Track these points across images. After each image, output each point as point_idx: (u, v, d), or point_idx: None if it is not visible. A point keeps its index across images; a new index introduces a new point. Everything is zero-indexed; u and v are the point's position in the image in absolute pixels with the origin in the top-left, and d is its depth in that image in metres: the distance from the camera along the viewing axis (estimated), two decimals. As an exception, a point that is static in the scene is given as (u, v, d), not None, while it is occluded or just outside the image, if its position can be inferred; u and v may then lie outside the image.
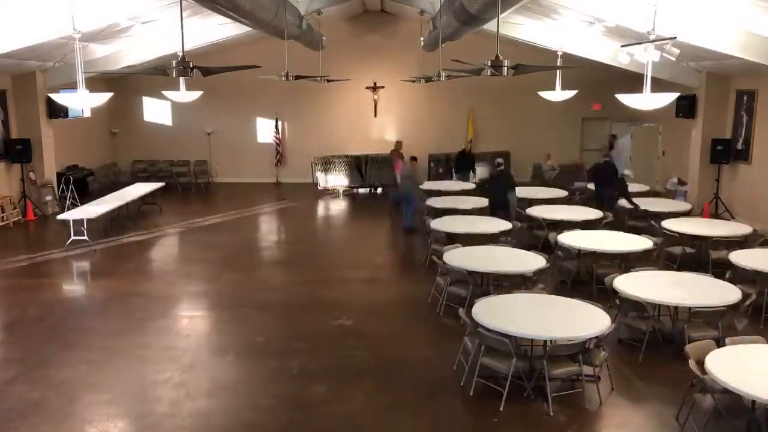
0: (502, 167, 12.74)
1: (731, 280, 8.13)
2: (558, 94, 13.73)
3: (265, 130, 20.07)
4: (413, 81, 16.99)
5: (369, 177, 18.32)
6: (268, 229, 14.99)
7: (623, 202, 12.20)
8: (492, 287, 8.53)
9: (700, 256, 10.26)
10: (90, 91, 9.10)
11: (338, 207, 16.91)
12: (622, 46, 10.70)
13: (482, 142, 19.84)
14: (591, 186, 13.61)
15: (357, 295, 9.68)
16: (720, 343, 6.02)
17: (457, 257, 8.85)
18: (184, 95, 12.15)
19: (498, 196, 11.67)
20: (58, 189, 15.50)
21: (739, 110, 14.02)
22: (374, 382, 6.89)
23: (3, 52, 10.60)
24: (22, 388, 6.59)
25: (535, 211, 11.95)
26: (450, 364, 7.09)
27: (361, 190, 18.69)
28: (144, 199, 15.16)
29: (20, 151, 14.18)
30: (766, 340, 6.08)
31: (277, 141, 19.88)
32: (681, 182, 15.85)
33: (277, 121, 19.91)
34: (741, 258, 8.66)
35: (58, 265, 11.19)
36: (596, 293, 8.75)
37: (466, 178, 17.03)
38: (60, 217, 12.17)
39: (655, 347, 7.36)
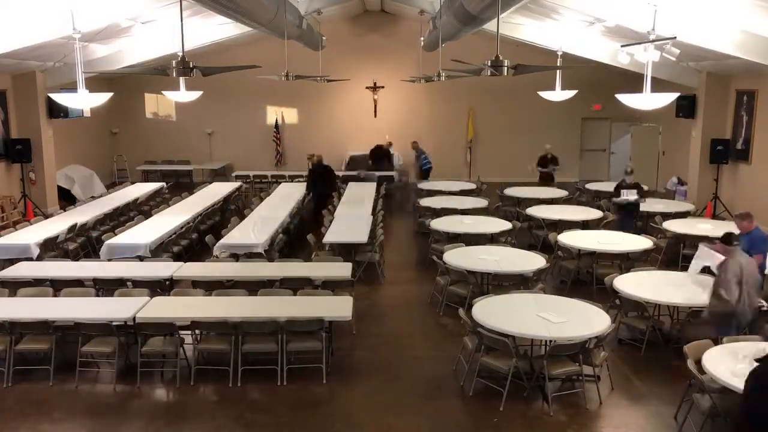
0: None
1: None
2: (558, 94, 13.73)
3: (265, 130, 20.06)
4: (413, 81, 16.99)
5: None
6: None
7: None
8: (492, 287, 8.53)
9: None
10: (90, 91, 9.10)
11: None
12: (622, 46, 10.69)
13: (482, 142, 19.86)
14: None
15: (356, 294, 9.66)
16: (718, 343, 6.03)
17: (457, 257, 8.87)
18: (184, 95, 12.15)
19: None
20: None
21: (739, 110, 14.02)
22: (374, 382, 6.89)
23: (3, 52, 10.59)
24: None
25: (535, 211, 11.95)
26: (450, 364, 7.10)
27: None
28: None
29: (20, 151, 14.16)
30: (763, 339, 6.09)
31: (277, 141, 19.90)
32: (681, 182, 15.86)
33: (277, 121, 19.92)
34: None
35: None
36: (596, 293, 8.75)
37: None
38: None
39: (654, 347, 7.36)
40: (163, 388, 6.81)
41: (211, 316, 6.88)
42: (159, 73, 7.59)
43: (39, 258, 9.69)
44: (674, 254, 10.49)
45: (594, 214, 11.74)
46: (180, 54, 7.11)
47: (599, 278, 8.69)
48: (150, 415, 6.19)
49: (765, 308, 6.82)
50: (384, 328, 8.37)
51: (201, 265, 8.99)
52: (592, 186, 14.97)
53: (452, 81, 14.61)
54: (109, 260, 9.53)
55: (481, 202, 13.21)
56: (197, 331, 7.07)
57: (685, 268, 9.22)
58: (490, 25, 9.30)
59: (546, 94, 14.28)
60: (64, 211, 12.60)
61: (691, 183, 15.12)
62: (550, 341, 6.21)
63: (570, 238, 9.81)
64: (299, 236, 12.03)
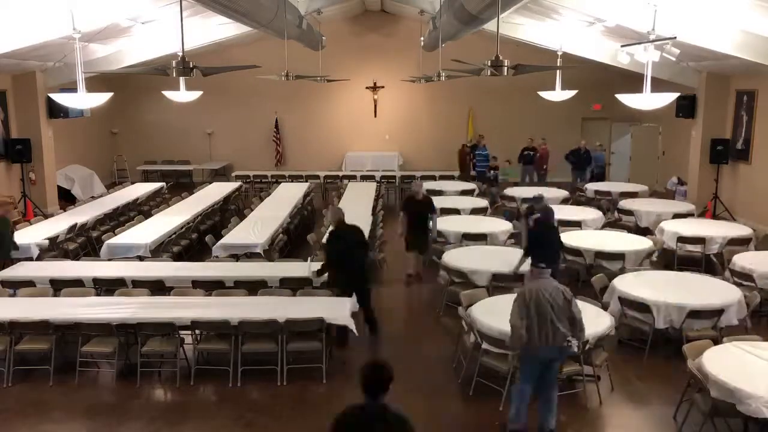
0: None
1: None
2: (558, 94, 13.73)
3: (265, 130, 20.06)
4: (413, 81, 16.99)
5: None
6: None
7: None
8: (492, 287, 8.52)
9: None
10: (90, 91, 9.09)
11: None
12: (622, 46, 10.70)
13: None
14: None
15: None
16: (718, 343, 6.03)
17: (457, 257, 8.86)
18: (184, 95, 12.17)
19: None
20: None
21: (739, 110, 14.01)
22: (374, 382, 6.88)
23: (3, 52, 10.60)
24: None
25: (534, 211, 11.94)
26: (450, 363, 7.10)
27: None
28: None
29: (20, 151, 14.16)
30: (763, 339, 6.09)
31: (277, 141, 19.90)
32: (681, 182, 15.87)
33: (276, 121, 19.92)
34: (741, 259, 8.68)
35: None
36: (596, 293, 8.73)
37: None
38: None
39: (655, 347, 7.36)
40: (163, 388, 6.81)
41: (211, 316, 6.87)
42: (159, 73, 7.60)
43: (39, 258, 9.69)
44: (673, 254, 10.47)
45: (593, 214, 11.73)
46: (180, 54, 7.11)
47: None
48: (150, 415, 6.19)
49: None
50: (384, 328, 8.35)
51: (201, 265, 8.99)
52: (591, 186, 14.97)
53: (452, 81, 14.62)
54: (110, 260, 9.54)
55: (481, 202, 13.21)
56: (197, 331, 7.07)
57: (682, 269, 9.23)
58: (490, 25, 9.30)
59: (546, 94, 14.28)
60: (64, 211, 12.60)
61: (691, 183, 15.12)
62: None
63: (570, 238, 9.80)
64: (299, 236, 12.03)
